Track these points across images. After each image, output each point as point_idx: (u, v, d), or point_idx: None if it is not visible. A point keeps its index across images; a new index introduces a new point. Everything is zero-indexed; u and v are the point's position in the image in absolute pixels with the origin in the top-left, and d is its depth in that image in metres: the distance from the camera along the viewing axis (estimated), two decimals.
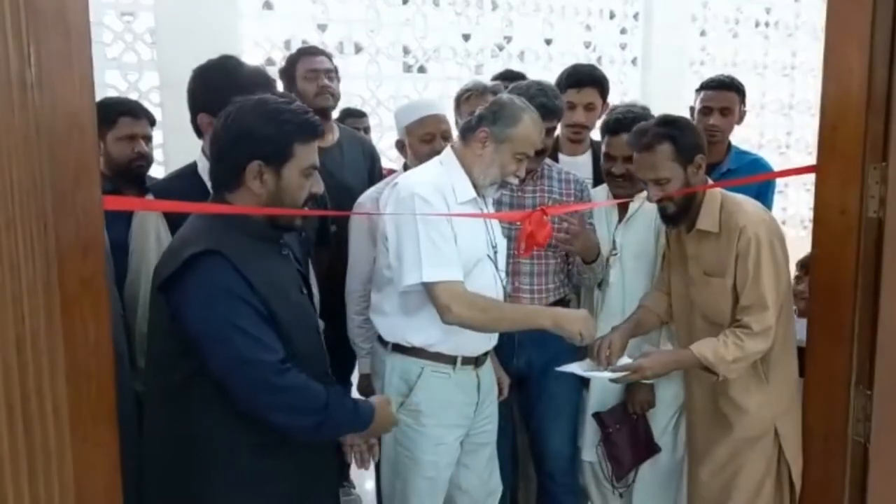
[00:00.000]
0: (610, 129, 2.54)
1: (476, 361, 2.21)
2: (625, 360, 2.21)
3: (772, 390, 2.19)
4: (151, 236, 1.87)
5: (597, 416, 2.56)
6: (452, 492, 2.32)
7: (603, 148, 2.57)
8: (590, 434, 2.63)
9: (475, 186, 2.14)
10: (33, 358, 1.00)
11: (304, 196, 1.69)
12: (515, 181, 2.19)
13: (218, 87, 1.98)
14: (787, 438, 2.17)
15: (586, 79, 2.92)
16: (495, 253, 2.19)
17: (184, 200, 1.77)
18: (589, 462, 2.68)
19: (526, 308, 2.18)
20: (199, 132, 2.11)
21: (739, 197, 2.25)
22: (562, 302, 2.58)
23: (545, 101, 2.40)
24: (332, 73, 3.02)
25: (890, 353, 1.64)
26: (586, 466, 2.73)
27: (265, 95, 1.72)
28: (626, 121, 2.50)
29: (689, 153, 2.17)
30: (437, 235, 2.02)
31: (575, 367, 2.26)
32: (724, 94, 2.96)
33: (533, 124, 2.12)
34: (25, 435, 0.99)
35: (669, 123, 2.20)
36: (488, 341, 2.22)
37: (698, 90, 3.06)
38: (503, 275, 2.23)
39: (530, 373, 2.55)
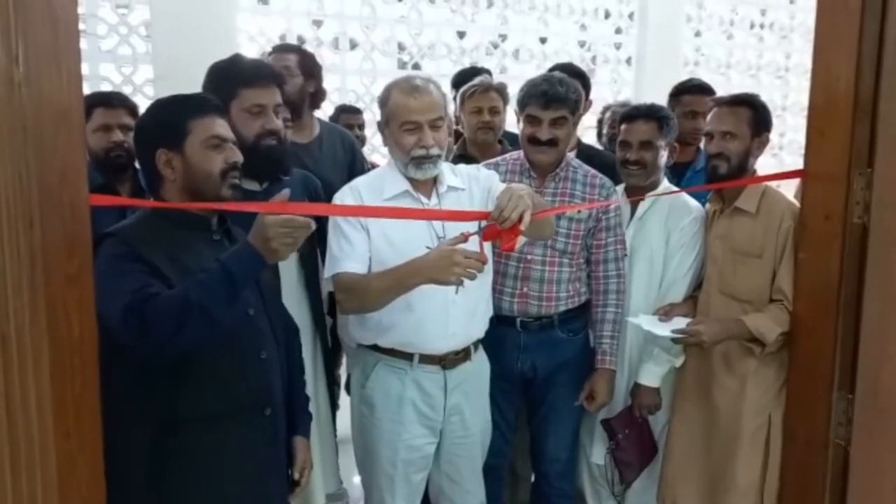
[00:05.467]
0: (627, 116, 2.56)
1: (442, 361, 2.17)
2: (683, 324, 2.27)
3: (768, 373, 2.26)
4: None
5: (605, 423, 2.54)
6: (439, 498, 2.34)
7: (619, 137, 2.57)
8: (598, 437, 2.62)
9: (410, 178, 2.14)
10: (17, 355, 1.01)
11: (218, 168, 1.72)
12: (436, 151, 2.08)
13: (220, 82, 2.09)
14: (775, 428, 2.23)
15: (568, 70, 2.96)
16: None
17: None
18: (588, 463, 2.69)
19: (393, 272, 2.00)
20: None
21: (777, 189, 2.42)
22: (580, 308, 2.52)
23: (546, 88, 2.37)
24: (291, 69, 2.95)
25: (871, 357, 1.65)
26: (583, 467, 2.73)
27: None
28: (642, 108, 2.55)
29: (760, 126, 2.35)
30: (342, 231, 2.10)
31: (642, 320, 2.35)
32: (704, 99, 3.01)
33: (399, 93, 2.09)
34: (8, 431, 0.99)
35: (755, 97, 2.40)
36: (446, 341, 2.14)
37: (676, 95, 3.13)
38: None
39: (535, 377, 2.51)
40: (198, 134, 1.71)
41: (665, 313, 2.40)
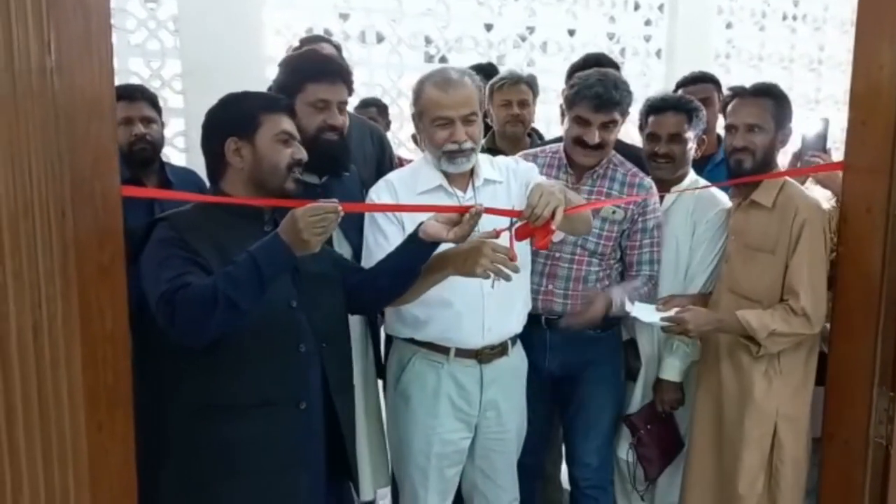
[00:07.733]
0: (655, 107, 2.48)
1: (478, 356, 2.15)
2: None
3: (779, 378, 2.20)
4: None
5: (627, 419, 2.50)
6: (472, 494, 2.32)
7: (646, 129, 2.50)
8: (624, 432, 2.57)
9: (444, 172, 2.11)
10: (49, 345, 1.00)
11: (285, 161, 1.78)
12: (469, 146, 2.04)
13: (288, 75, 2.14)
14: (779, 442, 2.19)
15: (605, 60, 2.90)
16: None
17: None
18: (617, 460, 2.64)
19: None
20: None
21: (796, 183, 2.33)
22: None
23: (600, 90, 2.28)
24: None
25: None
26: (613, 465, 2.70)
27: None
28: (670, 99, 2.49)
29: (783, 118, 2.25)
30: (378, 224, 2.09)
31: (636, 309, 2.28)
32: (702, 87, 2.99)
33: (432, 88, 2.05)
34: (41, 422, 0.99)
35: (776, 87, 2.31)
36: (481, 335, 2.12)
37: (675, 90, 3.07)
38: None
39: (564, 375, 2.47)
40: (269, 127, 1.77)
41: (664, 304, 2.34)
